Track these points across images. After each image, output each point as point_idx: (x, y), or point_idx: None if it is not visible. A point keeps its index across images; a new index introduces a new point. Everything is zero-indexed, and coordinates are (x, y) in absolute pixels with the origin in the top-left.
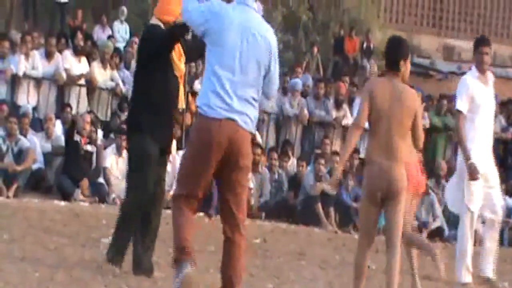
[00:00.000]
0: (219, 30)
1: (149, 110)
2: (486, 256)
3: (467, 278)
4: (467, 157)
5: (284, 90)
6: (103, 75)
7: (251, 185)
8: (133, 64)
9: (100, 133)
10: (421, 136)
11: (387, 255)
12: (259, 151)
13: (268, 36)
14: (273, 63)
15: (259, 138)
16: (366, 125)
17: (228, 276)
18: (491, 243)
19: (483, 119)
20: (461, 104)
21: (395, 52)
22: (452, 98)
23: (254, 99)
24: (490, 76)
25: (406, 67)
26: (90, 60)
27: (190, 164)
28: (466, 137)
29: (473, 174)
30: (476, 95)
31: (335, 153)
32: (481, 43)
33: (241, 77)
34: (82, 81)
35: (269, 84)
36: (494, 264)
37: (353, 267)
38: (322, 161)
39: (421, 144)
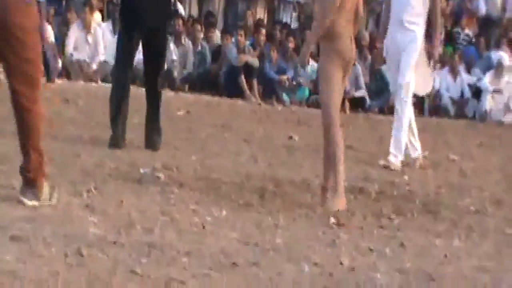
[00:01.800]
0: None
1: None
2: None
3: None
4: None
5: None
6: None
7: (174, 57)
8: None
9: None
10: (361, 19)
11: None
12: (181, 22)
13: None
14: None
15: (181, 10)
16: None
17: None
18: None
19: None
20: None
21: None
22: None
23: None
24: None
25: None
26: None
27: None
28: (384, 22)
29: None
30: None
31: (258, 24)
32: None
33: None
34: None
35: None
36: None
37: (330, 148)
38: (242, 33)
39: (359, 26)
